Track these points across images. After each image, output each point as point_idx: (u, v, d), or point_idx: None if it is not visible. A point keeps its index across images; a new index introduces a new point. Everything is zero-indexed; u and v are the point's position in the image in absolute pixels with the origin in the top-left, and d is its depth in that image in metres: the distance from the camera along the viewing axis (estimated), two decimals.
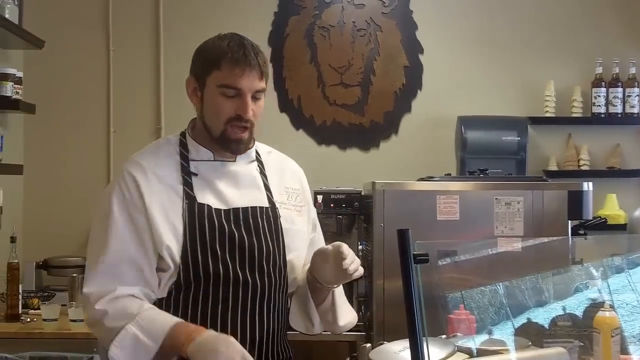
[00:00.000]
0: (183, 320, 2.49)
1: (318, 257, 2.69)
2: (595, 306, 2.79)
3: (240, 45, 2.61)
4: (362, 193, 5.05)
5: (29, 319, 4.60)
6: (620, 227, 5.44)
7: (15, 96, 4.88)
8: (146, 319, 2.46)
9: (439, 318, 2.55)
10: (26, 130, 5.69)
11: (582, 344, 2.79)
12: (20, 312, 4.65)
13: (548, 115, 5.71)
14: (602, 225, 5.01)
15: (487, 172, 4.90)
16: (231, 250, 2.59)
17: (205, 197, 2.61)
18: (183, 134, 2.75)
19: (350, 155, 5.80)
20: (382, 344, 2.52)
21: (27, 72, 5.32)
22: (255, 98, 2.62)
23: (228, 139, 2.63)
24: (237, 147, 2.67)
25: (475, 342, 2.50)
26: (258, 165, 2.79)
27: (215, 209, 2.61)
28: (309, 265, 2.79)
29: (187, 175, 2.63)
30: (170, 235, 2.54)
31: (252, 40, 2.68)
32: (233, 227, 2.61)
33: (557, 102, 5.71)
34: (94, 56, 5.76)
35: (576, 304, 2.85)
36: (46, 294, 5.07)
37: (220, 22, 5.73)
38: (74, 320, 4.40)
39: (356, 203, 5.01)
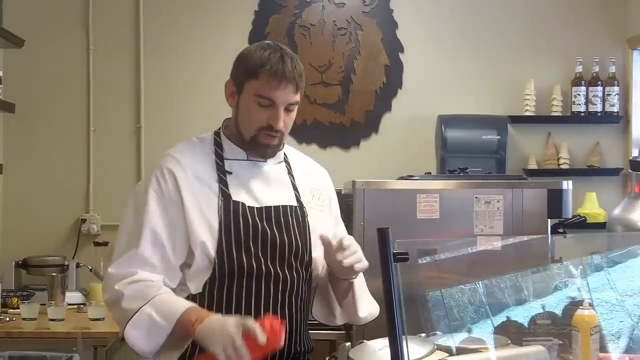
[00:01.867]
0: (197, 305, 2.56)
1: (328, 247, 2.74)
2: (575, 304, 2.81)
3: (280, 58, 2.67)
4: (343, 192, 5.05)
5: (7, 318, 4.58)
6: (600, 226, 5.45)
7: None
8: (162, 301, 2.53)
9: (419, 316, 2.55)
10: (5, 129, 5.67)
11: (561, 342, 2.80)
12: None
13: (528, 114, 5.72)
14: (581, 224, 5.03)
15: (467, 170, 4.91)
16: (263, 246, 2.68)
17: (239, 195, 2.70)
18: (217, 133, 2.84)
19: (330, 154, 5.80)
20: (362, 342, 2.52)
21: (6, 71, 5.29)
22: (288, 110, 2.71)
23: (258, 144, 2.73)
24: (266, 152, 2.77)
25: (454, 340, 2.50)
26: (286, 166, 2.89)
27: (248, 206, 2.70)
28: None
29: (222, 173, 2.73)
30: (205, 231, 2.63)
31: (293, 53, 2.74)
32: (265, 224, 2.70)
33: (537, 101, 5.73)
34: (74, 55, 5.74)
35: (555, 303, 2.86)
36: (25, 293, 5.05)
37: (201, 21, 5.74)
38: (53, 320, 4.39)
39: None
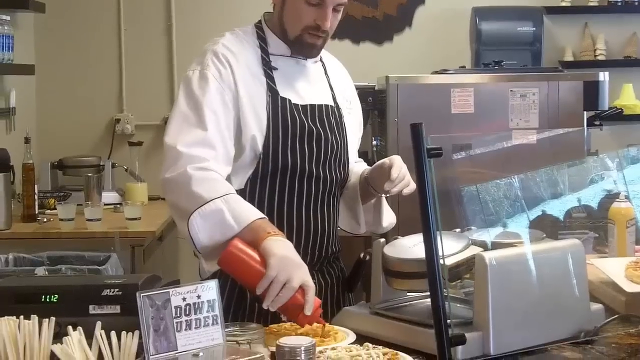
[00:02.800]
0: (267, 218, 2.46)
1: (376, 169, 2.73)
2: (611, 197, 2.79)
3: None
4: (376, 88, 5.02)
5: (45, 219, 4.63)
6: (637, 118, 5.39)
7: None
8: (235, 201, 2.43)
9: (454, 212, 2.54)
10: (36, 30, 5.65)
11: (597, 235, 2.79)
12: (36, 212, 4.67)
13: (564, 4, 5.62)
14: (618, 116, 4.99)
15: (502, 63, 4.85)
16: (309, 144, 2.67)
17: (285, 92, 2.67)
18: (259, 27, 2.77)
19: (363, 49, 5.74)
20: (396, 238, 2.52)
21: None
22: (335, 10, 2.67)
23: (303, 44, 2.68)
24: (310, 52, 2.73)
25: (489, 235, 2.49)
26: (322, 66, 2.86)
27: (294, 104, 2.67)
28: (360, 168, 2.89)
29: (268, 68, 2.69)
30: (255, 126, 2.60)
31: None
32: (310, 122, 2.68)
33: None
34: None
35: (591, 196, 2.83)
36: (62, 194, 5.09)
37: None
38: (90, 220, 4.43)
39: (370, 98, 4.96)
